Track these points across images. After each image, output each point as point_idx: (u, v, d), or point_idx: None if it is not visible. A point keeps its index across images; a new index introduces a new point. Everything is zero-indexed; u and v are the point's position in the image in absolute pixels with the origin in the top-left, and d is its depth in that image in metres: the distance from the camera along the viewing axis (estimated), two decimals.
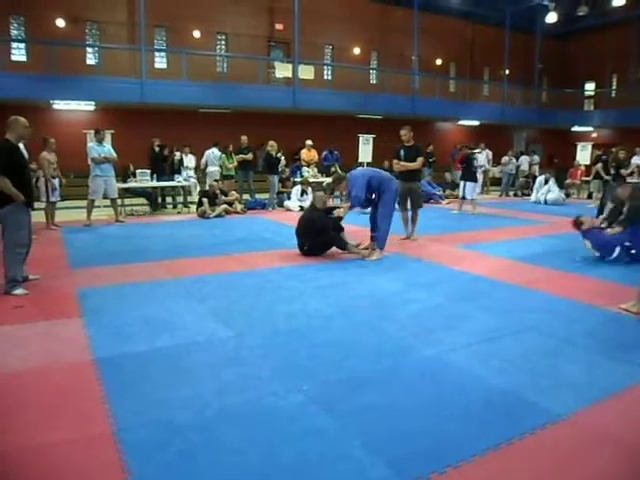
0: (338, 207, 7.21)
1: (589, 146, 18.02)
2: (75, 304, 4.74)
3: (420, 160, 8.01)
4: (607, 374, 3.35)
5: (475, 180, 11.97)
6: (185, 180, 12.76)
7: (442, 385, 3.17)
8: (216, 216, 10.77)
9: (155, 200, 12.30)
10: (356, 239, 7.30)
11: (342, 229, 7.13)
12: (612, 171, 10.63)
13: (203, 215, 10.72)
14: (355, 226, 8.31)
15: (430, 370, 3.39)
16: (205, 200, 10.88)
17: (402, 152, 8.01)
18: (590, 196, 14.84)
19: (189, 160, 13.28)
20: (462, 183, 11.88)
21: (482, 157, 16.99)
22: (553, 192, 14.49)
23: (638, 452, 2.53)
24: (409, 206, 8.17)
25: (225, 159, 12.71)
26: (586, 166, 16.58)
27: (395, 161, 8.06)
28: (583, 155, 17.64)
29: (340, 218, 6.94)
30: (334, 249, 7.00)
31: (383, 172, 7.18)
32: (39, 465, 2.37)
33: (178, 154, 13.55)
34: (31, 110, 11.40)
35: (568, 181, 16.90)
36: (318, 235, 6.84)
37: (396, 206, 7.28)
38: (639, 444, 2.59)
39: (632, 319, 4.43)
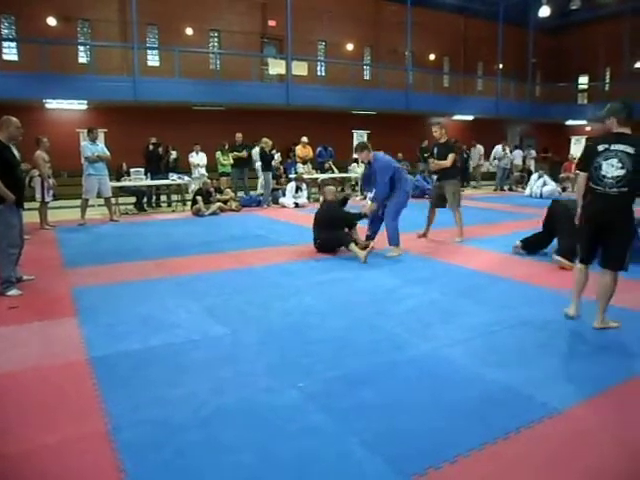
0: (349, 195, 7.27)
1: (583, 140, 18.03)
2: (69, 304, 4.71)
3: (451, 157, 7.58)
4: (604, 368, 3.35)
5: None
6: (197, 178, 12.80)
7: (439, 380, 3.17)
8: (211, 214, 10.74)
9: (149, 199, 12.27)
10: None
11: (355, 225, 7.08)
12: None
13: (198, 213, 10.69)
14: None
15: (427, 366, 3.39)
16: (199, 198, 10.84)
17: (435, 150, 7.85)
18: None
19: (200, 158, 13.26)
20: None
21: (475, 152, 17.03)
22: (549, 185, 14.54)
23: (634, 446, 2.52)
24: (447, 206, 7.84)
25: (220, 156, 12.72)
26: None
27: (430, 160, 7.94)
28: (577, 149, 17.67)
29: (365, 215, 6.87)
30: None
31: (403, 169, 7.18)
32: (33, 466, 2.35)
33: (174, 153, 13.52)
34: (23, 110, 11.33)
35: (563, 175, 16.92)
36: (336, 227, 6.81)
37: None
38: (635, 438, 2.59)
39: (629, 312, 4.44)
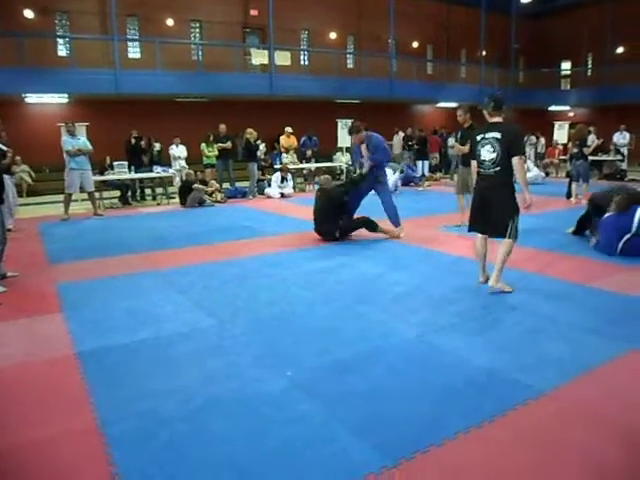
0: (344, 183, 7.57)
1: (566, 125, 18.17)
2: (55, 299, 4.68)
3: (465, 146, 7.01)
4: (589, 349, 3.41)
5: (427, 159, 14.73)
6: (178, 170, 12.69)
7: (425, 366, 3.20)
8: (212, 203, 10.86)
9: (134, 192, 12.18)
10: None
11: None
12: (575, 149, 10.53)
13: (202, 203, 10.71)
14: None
15: (413, 352, 3.42)
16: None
17: (459, 134, 7.77)
18: (568, 174, 14.97)
19: (180, 151, 13.16)
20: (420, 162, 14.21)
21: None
22: (531, 170, 14.63)
23: (621, 425, 2.57)
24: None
25: (205, 148, 12.64)
26: (564, 145, 16.73)
27: (456, 143, 7.85)
28: (560, 134, 17.79)
29: (363, 176, 7.06)
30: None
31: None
32: (23, 461, 2.35)
33: (158, 145, 13.40)
34: (2, 104, 11.16)
35: (546, 160, 17.05)
36: (336, 216, 6.93)
37: None
38: (621, 417, 2.63)
39: (612, 293, 4.51)
